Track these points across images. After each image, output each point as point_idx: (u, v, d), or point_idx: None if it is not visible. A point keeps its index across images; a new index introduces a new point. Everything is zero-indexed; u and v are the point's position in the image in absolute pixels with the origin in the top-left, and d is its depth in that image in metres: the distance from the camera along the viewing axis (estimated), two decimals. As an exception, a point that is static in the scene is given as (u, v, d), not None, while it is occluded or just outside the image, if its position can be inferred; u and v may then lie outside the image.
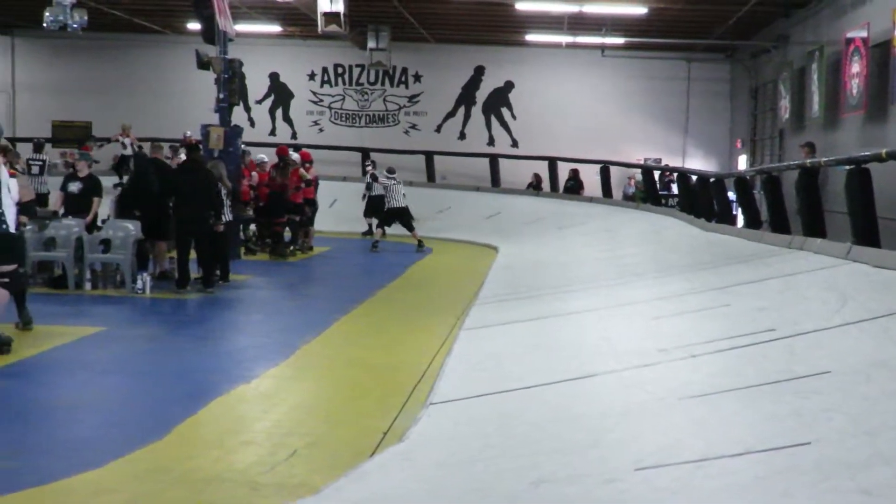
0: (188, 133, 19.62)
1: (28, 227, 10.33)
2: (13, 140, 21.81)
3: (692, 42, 23.65)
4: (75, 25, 15.18)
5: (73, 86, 26.02)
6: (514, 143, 26.31)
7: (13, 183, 8.24)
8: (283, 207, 16.13)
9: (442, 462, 5.06)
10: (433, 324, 9.97)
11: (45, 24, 15.31)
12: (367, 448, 5.53)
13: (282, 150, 16.66)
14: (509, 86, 26.36)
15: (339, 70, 26.57)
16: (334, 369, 8.04)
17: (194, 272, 12.04)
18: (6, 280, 7.98)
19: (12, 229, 8.04)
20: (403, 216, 18.21)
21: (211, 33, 15.34)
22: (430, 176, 24.60)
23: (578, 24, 21.54)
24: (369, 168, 20.38)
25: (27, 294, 9.17)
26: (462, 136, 26.48)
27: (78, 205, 11.87)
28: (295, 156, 16.92)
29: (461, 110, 26.53)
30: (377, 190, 18.75)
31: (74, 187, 11.95)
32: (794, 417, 4.54)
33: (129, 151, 20.50)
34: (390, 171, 18.60)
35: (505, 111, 26.48)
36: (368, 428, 6.02)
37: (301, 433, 5.95)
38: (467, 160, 24.91)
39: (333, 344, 9.08)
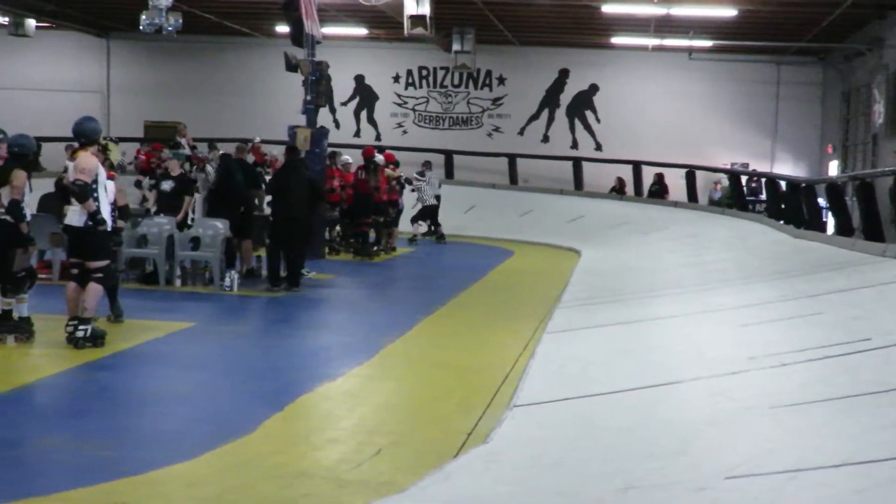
0: (257, 139, 19.90)
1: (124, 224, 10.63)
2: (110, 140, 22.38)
3: (783, 45, 23.18)
4: (170, 28, 15.57)
5: (164, 87, 26.64)
6: (598, 147, 26.12)
7: (111, 185, 8.48)
8: (368, 208, 16.27)
9: (527, 465, 5.05)
10: (516, 326, 9.96)
11: (141, 28, 15.73)
12: (450, 448, 5.55)
13: (368, 152, 16.82)
14: (594, 88, 26.18)
15: (424, 72, 26.71)
16: (418, 369, 8.09)
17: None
18: (100, 275, 8.20)
19: (109, 227, 8.27)
20: (434, 214, 19.36)
21: (299, 36, 15.57)
22: (513, 179, 24.57)
23: (665, 26, 21.29)
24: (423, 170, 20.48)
25: (119, 289, 9.44)
26: (545, 138, 26.39)
27: (170, 203, 12.15)
28: (379, 157, 17.07)
29: (545, 113, 26.44)
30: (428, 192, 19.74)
31: (167, 186, 12.24)
32: (894, 430, 4.42)
33: (185, 151, 20.85)
34: (421, 170, 19.26)
35: (589, 114, 26.31)
36: (452, 428, 6.04)
37: (385, 432, 6.00)
38: (550, 163, 24.79)
39: (417, 344, 9.14)
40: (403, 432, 6.02)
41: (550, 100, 26.36)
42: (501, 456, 5.17)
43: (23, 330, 8.18)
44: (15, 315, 8.23)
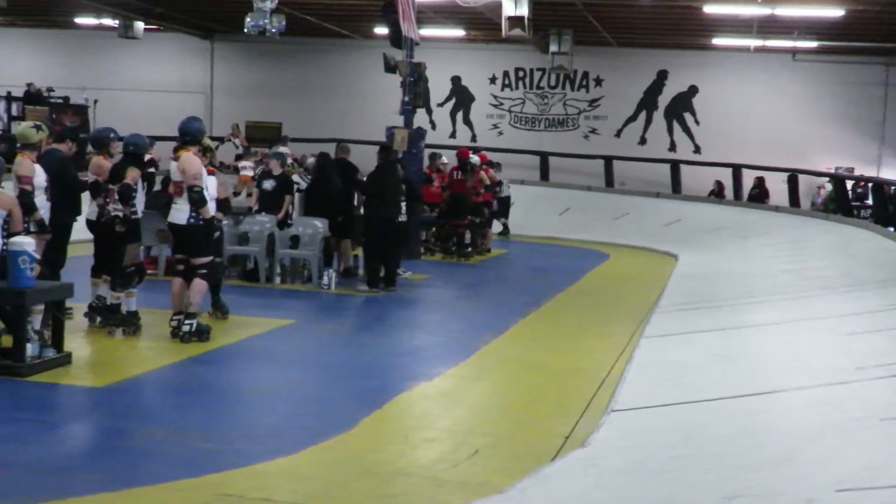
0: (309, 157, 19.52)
1: (224, 222, 10.85)
2: (210, 139, 22.91)
3: (892, 46, 22.44)
4: (273, 30, 15.83)
5: (265, 87, 27.13)
6: (697, 149, 25.68)
7: (212, 180, 8.68)
8: (464, 209, 16.30)
9: (626, 470, 5.01)
10: (612, 330, 9.88)
11: (245, 29, 16.02)
12: (548, 451, 5.54)
13: (463, 153, 16.86)
14: (693, 90, 25.75)
15: (520, 74, 26.65)
16: (514, 371, 8.09)
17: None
18: (204, 271, 8.39)
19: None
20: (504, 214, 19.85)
21: (398, 38, 15.69)
22: (609, 181, 24.32)
23: (769, 27, 20.81)
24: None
25: (222, 285, 9.65)
26: (643, 141, 26.06)
27: (271, 202, 12.37)
28: (475, 158, 17.08)
29: (642, 115, 26.11)
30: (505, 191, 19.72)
31: (268, 185, 12.46)
32: None
33: (240, 151, 21.12)
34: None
35: (688, 116, 25.89)
36: (549, 431, 6.03)
37: (482, 433, 6.02)
38: (647, 166, 24.47)
39: (513, 346, 9.13)
40: (500, 434, 6.03)
41: (648, 101, 26.03)
42: (600, 461, 5.14)
43: (131, 323, 8.44)
44: (124, 309, 8.50)
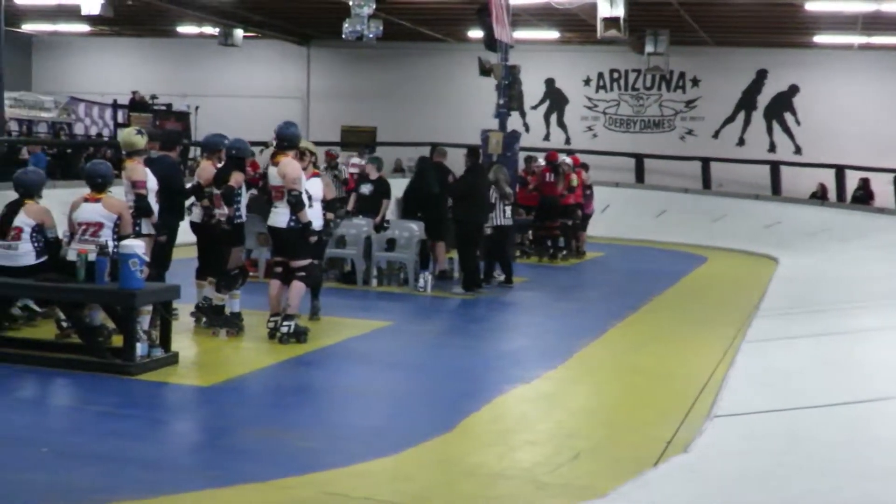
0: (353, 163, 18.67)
1: (337, 221, 11.03)
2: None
3: None
4: (370, 35, 16.05)
5: (360, 92, 27.48)
6: (798, 150, 25.09)
7: (318, 182, 8.81)
8: (555, 212, 16.22)
9: (730, 477, 4.93)
10: (712, 334, 9.72)
11: (343, 35, 16.27)
12: (649, 456, 5.49)
13: (552, 156, 16.75)
14: (794, 90, 25.16)
15: (615, 75, 26.42)
16: (613, 374, 8.03)
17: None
18: (303, 274, 8.54)
19: (316, 227, 8.58)
20: None
21: (492, 41, 15.71)
22: (706, 183, 23.92)
23: (874, 23, 20.21)
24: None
25: (321, 287, 9.80)
26: (741, 141, 25.58)
27: (368, 205, 12.52)
28: (567, 160, 16.97)
29: (741, 115, 25.62)
30: None
31: (366, 189, 12.61)
32: None
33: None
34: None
35: (788, 116, 25.31)
36: (650, 436, 5.97)
37: (583, 436, 6.00)
38: (746, 167, 24.00)
39: (611, 349, 9.06)
40: (601, 437, 6.00)
41: (747, 101, 25.52)
42: (703, 467, 5.06)
43: (234, 325, 8.64)
44: (227, 310, 8.70)
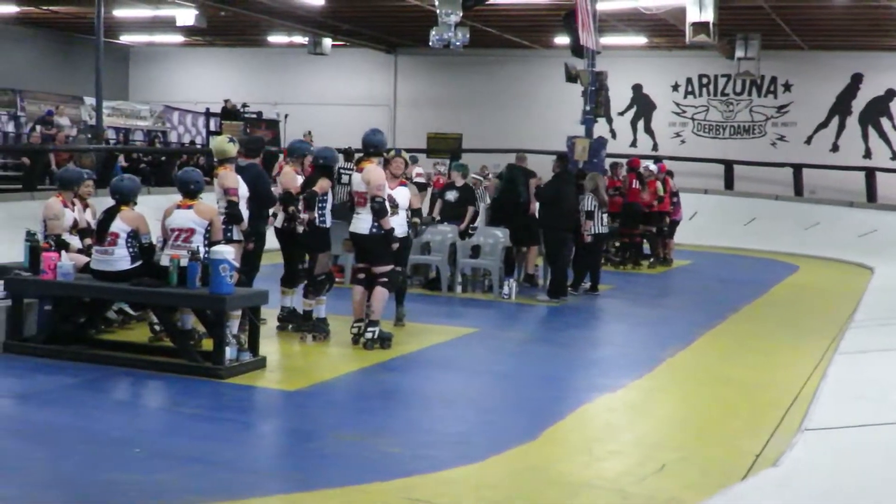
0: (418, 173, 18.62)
1: (423, 227, 11.08)
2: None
3: None
4: (457, 43, 16.07)
5: (446, 99, 27.62)
6: (895, 156, 24.37)
7: (404, 191, 8.87)
8: (637, 218, 15.98)
9: (822, 493, 4.80)
10: (804, 345, 9.49)
11: (430, 43, 16.33)
12: (737, 469, 5.38)
13: (634, 162, 16.55)
14: (891, 94, 24.45)
15: (704, 80, 26.04)
16: (701, 384, 7.89)
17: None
18: (385, 280, 8.59)
19: (399, 233, 8.64)
20: None
21: (579, 47, 15.62)
22: (798, 190, 23.41)
23: (977, 25, 19.56)
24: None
25: (406, 294, 9.85)
26: (835, 148, 24.95)
27: (453, 212, 12.56)
28: (653, 167, 16.75)
29: (834, 121, 25.00)
30: None
31: (451, 196, 12.67)
32: None
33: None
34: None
35: (885, 121, 24.61)
36: (739, 448, 5.85)
37: (670, 447, 5.90)
38: (840, 173, 23.41)
39: (699, 358, 8.91)
40: (688, 449, 5.89)
41: (841, 106, 24.89)
42: (794, 482, 4.94)
43: (320, 330, 8.75)
44: (314, 316, 8.82)
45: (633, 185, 16.23)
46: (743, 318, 11.46)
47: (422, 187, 14.76)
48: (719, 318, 11.11)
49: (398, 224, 8.59)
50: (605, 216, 12.59)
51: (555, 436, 6.07)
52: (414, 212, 9.22)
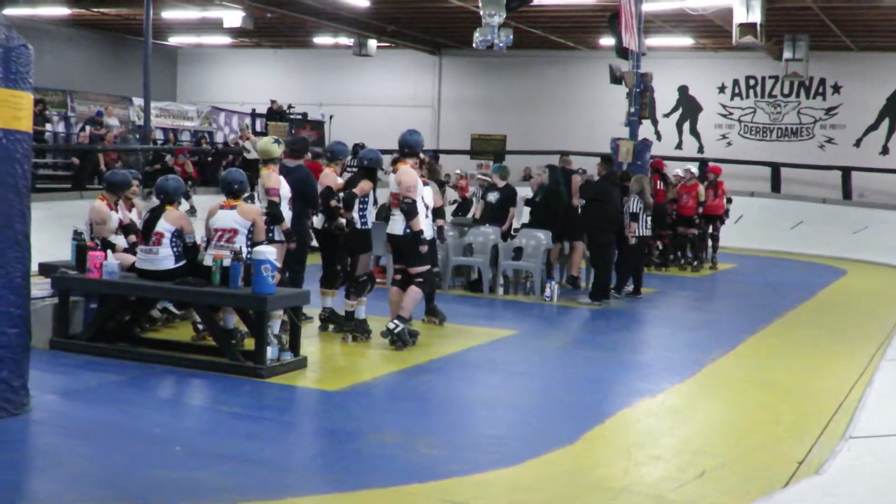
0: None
1: (448, 231, 11.07)
2: (437, 151, 23.47)
3: None
4: (501, 44, 16.03)
5: (490, 101, 27.57)
6: (946, 159, 23.93)
7: (427, 191, 8.85)
8: (664, 220, 15.68)
9: (865, 502, 4.72)
10: (849, 351, 9.35)
11: (474, 44, 16.33)
12: (779, 476, 5.32)
13: (657, 163, 16.33)
14: (943, 95, 24.02)
15: (751, 82, 25.72)
16: (743, 390, 7.80)
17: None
18: (420, 280, 8.59)
19: (427, 236, 8.62)
20: None
21: (624, 48, 15.54)
22: (847, 193, 23.04)
23: None
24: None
25: (436, 294, 9.84)
26: (885, 150, 24.51)
27: (494, 214, 12.54)
28: (693, 169, 16.56)
29: (885, 123, 24.57)
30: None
31: (492, 197, 12.65)
32: None
33: (252, 155, 21.08)
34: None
35: (937, 123, 24.16)
36: (781, 455, 5.78)
37: (710, 453, 5.84)
38: (890, 177, 23.01)
39: (742, 363, 8.81)
40: (729, 455, 5.83)
41: (892, 108, 24.47)
42: (837, 490, 4.87)
43: (362, 330, 8.78)
44: (355, 316, 8.85)
45: (658, 187, 16.02)
46: (788, 323, 11.31)
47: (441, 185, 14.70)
48: (764, 323, 10.98)
49: (425, 226, 8.56)
50: (649, 219, 12.49)
51: (594, 440, 6.04)
52: (436, 211, 9.17)
